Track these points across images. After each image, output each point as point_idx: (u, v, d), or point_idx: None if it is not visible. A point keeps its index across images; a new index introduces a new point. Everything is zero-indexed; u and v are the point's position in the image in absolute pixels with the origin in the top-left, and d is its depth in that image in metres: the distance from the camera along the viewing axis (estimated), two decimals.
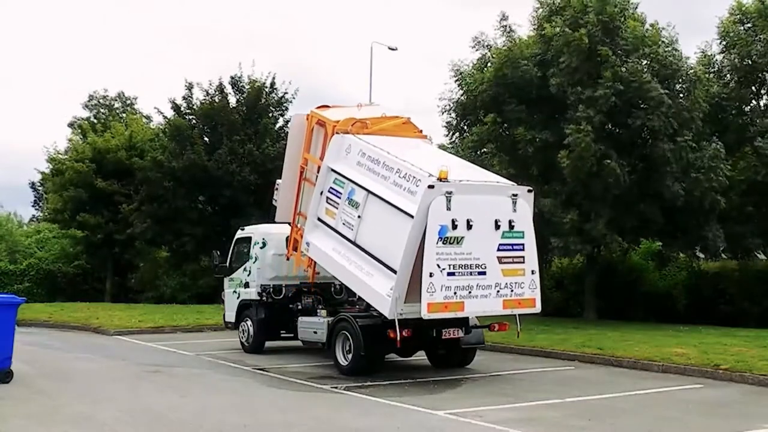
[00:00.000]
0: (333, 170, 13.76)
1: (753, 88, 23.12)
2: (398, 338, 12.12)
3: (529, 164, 21.21)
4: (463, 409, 10.29)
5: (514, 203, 12.51)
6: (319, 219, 14.04)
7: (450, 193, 11.78)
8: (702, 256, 24.10)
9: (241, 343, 16.73)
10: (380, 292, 12.21)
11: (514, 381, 13.01)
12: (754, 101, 23.32)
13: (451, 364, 13.96)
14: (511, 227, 12.38)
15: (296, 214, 15.38)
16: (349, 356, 13.30)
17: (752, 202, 22.12)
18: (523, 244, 12.53)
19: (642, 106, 20.15)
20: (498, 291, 12.26)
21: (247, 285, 16.86)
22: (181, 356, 16.14)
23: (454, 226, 11.79)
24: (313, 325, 14.77)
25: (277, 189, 16.55)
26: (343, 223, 13.33)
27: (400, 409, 10.49)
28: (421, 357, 14.27)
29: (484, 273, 12.12)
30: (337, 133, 14.00)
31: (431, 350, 14.14)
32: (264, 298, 16.33)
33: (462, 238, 11.89)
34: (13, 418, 9.70)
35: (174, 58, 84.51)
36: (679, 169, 20.25)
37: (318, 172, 14.39)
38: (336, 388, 12.08)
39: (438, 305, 11.72)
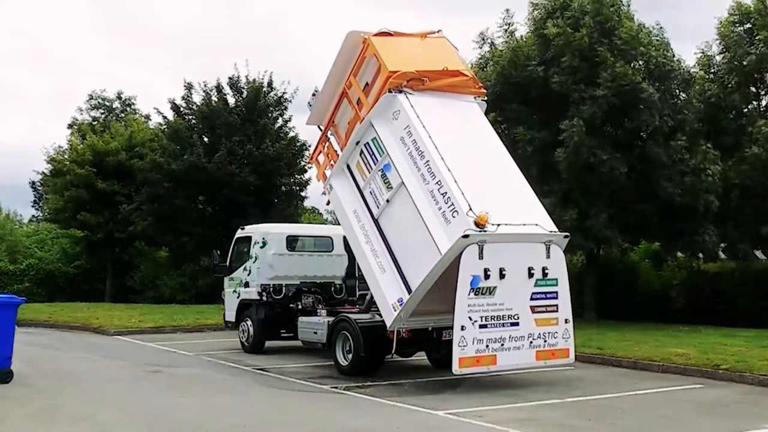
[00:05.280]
0: (374, 128, 12.84)
1: (752, 89, 23.11)
2: (393, 346, 12.13)
3: (528, 164, 21.20)
4: (463, 409, 10.29)
5: (548, 249, 11.96)
6: (348, 167, 13.44)
7: (483, 241, 11.24)
8: (701, 256, 24.10)
9: (241, 342, 16.72)
10: (387, 299, 12.05)
11: (514, 381, 13.00)
12: (753, 102, 23.31)
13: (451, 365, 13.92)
14: (545, 275, 11.89)
15: (330, 123, 14.55)
16: (349, 356, 13.27)
17: (750, 204, 22.11)
18: (556, 292, 12.00)
19: (639, 106, 20.21)
20: (531, 342, 11.80)
21: (247, 284, 16.85)
22: (181, 356, 16.13)
23: (487, 276, 11.28)
24: (313, 326, 14.75)
25: (314, 95, 15.76)
26: (371, 192, 12.82)
27: (400, 409, 10.49)
28: (421, 357, 14.27)
29: (517, 324, 11.63)
30: (390, 90, 12.75)
31: (431, 350, 14.13)
32: (264, 298, 16.31)
33: (494, 288, 11.38)
34: (13, 418, 9.70)
35: (172, 60, 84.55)
36: (675, 171, 20.31)
37: (359, 104, 13.52)
38: (336, 388, 12.08)
39: (470, 359, 11.29)
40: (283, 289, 16.32)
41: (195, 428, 9.39)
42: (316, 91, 15.39)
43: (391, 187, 12.42)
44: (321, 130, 14.90)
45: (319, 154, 14.92)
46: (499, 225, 11.42)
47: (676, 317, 22.66)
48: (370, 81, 13.58)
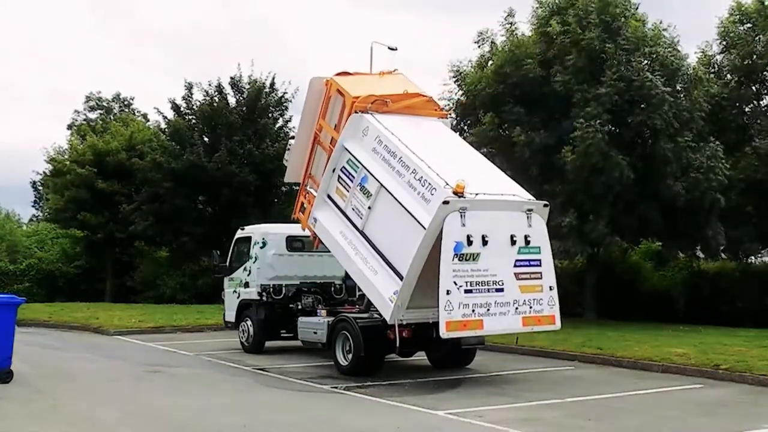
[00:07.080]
0: (347, 150, 13.38)
1: (753, 87, 23.13)
2: (397, 343, 12.13)
3: (528, 165, 21.18)
4: (463, 409, 10.29)
5: (529, 218, 12.21)
6: (329, 196, 13.76)
7: (464, 208, 11.51)
8: (702, 256, 24.08)
9: (241, 343, 16.72)
10: (383, 294, 12.12)
11: (514, 381, 13.01)
12: (754, 101, 23.33)
13: (451, 364, 13.93)
14: (527, 243, 12.12)
15: (306, 175, 15.05)
16: (349, 356, 13.28)
17: (751, 202, 22.11)
18: (539, 260, 12.26)
19: (642, 105, 20.15)
20: (516, 308, 11.99)
21: (247, 285, 16.85)
22: (181, 356, 16.13)
23: (470, 243, 11.52)
24: (313, 326, 14.75)
25: (289, 149, 16.33)
26: (353, 209, 13.11)
27: (400, 409, 10.50)
28: (421, 357, 14.27)
29: (501, 290, 11.85)
30: (355, 111, 13.46)
31: (431, 350, 14.12)
32: (264, 298, 16.33)
33: (478, 254, 11.61)
34: (13, 418, 9.70)
35: (172, 60, 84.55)
36: (678, 168, 20.26)
37: (332, 143, 14.02)
38: (336, 388, 12.08)
39: (457, 323, 11.46)
40: (283, 289, 16.32)
41: (195, 428, 9.39)
42: (289, 146, 15.92)
43: (371, 195, 12.78)
44: (299, 185, 15.39)
45: (301, 207, 15.29)
46: (477, 194, 11.79)
47: (676, 317, 22.66)
48: (337, 121, 14.19)
